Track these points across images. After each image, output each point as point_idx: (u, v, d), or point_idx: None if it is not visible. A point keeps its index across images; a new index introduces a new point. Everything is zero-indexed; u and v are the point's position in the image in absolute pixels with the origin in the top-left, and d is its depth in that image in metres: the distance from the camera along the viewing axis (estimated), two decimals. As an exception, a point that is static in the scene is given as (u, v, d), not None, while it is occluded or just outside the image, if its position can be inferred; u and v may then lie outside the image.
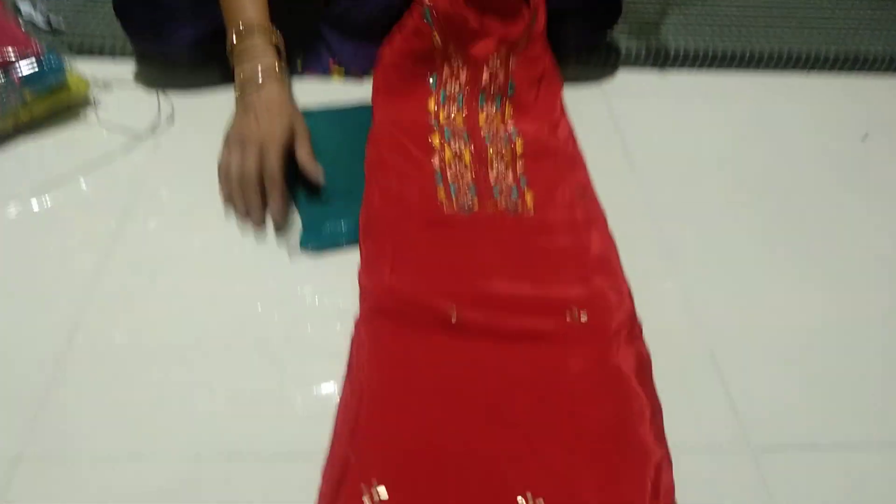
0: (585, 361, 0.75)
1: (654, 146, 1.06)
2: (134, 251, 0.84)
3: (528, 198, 0.94)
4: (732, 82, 1.22)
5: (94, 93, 1.06)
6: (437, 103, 1.06)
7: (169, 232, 0.87)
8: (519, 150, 1.02)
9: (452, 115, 1.05)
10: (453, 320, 0.77)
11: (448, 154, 0.99)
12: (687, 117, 1.13)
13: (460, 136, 1.02)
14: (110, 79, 1.08)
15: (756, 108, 1.17)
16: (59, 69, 0.97)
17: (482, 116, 1.06)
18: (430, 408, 0.70)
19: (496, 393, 0.72)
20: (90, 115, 1.03)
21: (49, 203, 0.90)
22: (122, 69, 1.12)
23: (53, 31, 1.16)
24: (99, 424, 0.67)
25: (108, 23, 1.17)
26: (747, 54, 1.22)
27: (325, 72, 1.13)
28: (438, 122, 1.04)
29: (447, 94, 1.07)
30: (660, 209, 0.95)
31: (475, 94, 1.07)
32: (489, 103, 1.07)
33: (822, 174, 1.04)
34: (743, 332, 0.80)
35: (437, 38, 1.04)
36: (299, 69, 1.13)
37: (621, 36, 1.23)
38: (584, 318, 0.78)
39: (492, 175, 0.98)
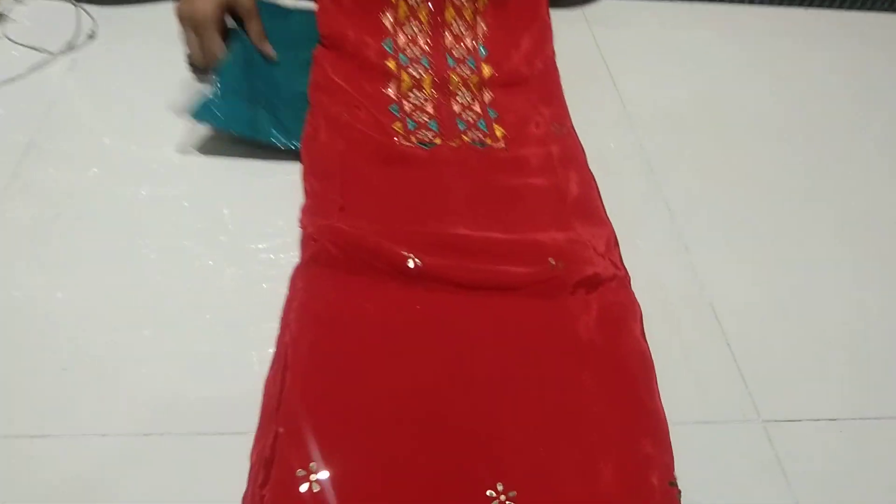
0: (565, 318, 0.63)
1: (643, 82, 0.94)
2: (38, 186, 0.72)
3: (498, 132, 0.82)
4: (725, 12, 1.11)
5: (4, 5, 0.92)
6: (396, 19, 0.91)
7: (81, 167, 0.74)
8: (487, 74, 0.88)
9: (415, 4, 0.90)
10: (411, 265, 0.64)
11: (406, 81, 0.86)
12: (677, 48, 1.02)
13: (419, 60, 0.88)
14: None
15: (753, 42, 1.06)
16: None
17: (449, 9, 0.91)
18: (378, 370, 0.58)
19: (460, 353, 0.60)
20: (-2, 28, 0.90)
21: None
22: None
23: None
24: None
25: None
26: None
27: None
28: (395, 38, 0.90)
29: (408, 4, 0.91)
30: (654, 154, 0.83)
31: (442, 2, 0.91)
32: (458, 17, 0.92)
33: (828, 116, 0.93)
34: (747, 292, 0.70)
35: None
36: None
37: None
38: (562, 268, 0.66)
39: (455, 106, 0.84)
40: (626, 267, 0.68)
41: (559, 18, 1.02)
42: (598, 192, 0.76)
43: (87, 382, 0.56)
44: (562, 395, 0.58)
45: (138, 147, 0.76)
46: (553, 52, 0.93)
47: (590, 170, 0.78)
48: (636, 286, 0.67)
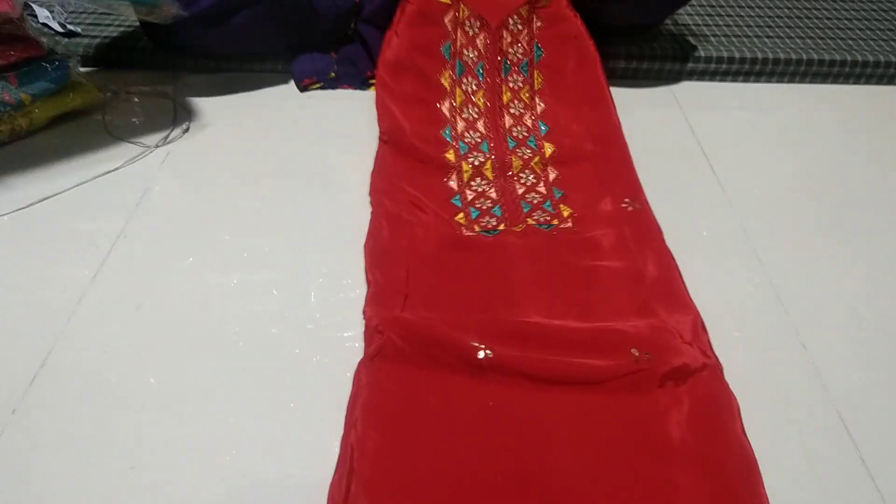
0: (653, 415, 0.58)
1: (742, 165, 0.90)
2: (126, 273, 0.72)
3: (564, 211, 0.78)
4: (813, 91, 1.07)
5: (108, 101, 0.96)
6: (453, 78, 0.90)
7: (171, 255, 0.75)
8: (549, 152, 0.86)
9: (471, 91, 0.90)
10: (481, 356, 0.60)
11: (467, 170, 0.84)
12: (771, 130, 0.98)
13: (478, 146, 0.87)
14: (128, 88, 0.99)
15: (849, 121, 1.00)
16: (63, 71, 0.87)
17: (506, 93, 0.90)
18: (447, 475, 0.54)
19: (536, 455, 0.55)
20: (100, 123, 0.93)
21: (39, 212, 0.79)
22: (141, 78, 1.02)
23: (69, 35, 1.06)
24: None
25: (130, 34, 1.08)
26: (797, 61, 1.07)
27: (362, 84, 1.01)
28: (454, 125, 0.89)
29: (463, 63, 0.91)
30: (759, 240, 0.78)
31: (496, 61, 0.91)
32: (514, 72, 0.91)
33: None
34: (881, 397, 0.63)
35: None
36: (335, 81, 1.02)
37: (696, 43, 1.08)
38: (647, 360, 0.60)
39: (519, 188, 0.82)
40: (731, 361, 0.62)
41: (650, 102, 1.01)
42: (680, 273, 0.70)
43: (181, 463, 0.54)
44: (653, 502, 0.52)
45: (231, 236, 0.77)
46: (618, 123, 0.89)
47: (668, 249, 0.73)
48: (746, 385, 0.61)
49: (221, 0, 0.89)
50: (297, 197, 0.81)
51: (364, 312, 0.65)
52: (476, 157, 0.86)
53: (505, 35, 0.91)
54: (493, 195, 0.81)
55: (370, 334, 0.63)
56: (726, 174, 0.87)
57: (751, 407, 0.59)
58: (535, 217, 0.77)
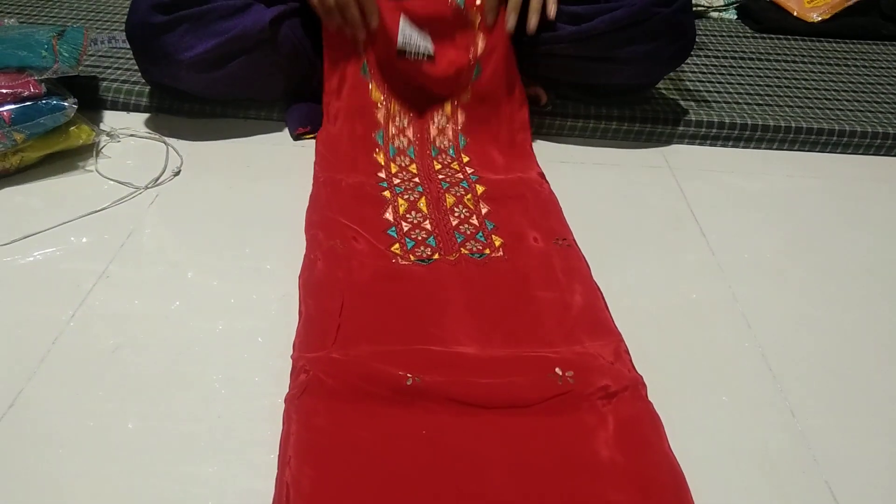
0: (581, 436, 0.59)
1: (732, 229, 0.90)
2: (105, 314, 0.71)
3: (496, 241, 0.82)
4: (797, 159, 1.08)
5: (101, 141, 0.96)
6: (387, 156, 0.96)
7: (151, 297, 0.74)
8: (480, 190, 0.90)
9: (405, 164, 0.95)
10: (409, 383, 0.61)
11: (402, 206, 0.87)
12: (761, 195, 0.99)
13: (413, 188, 0.90)
14: (121, 129, 1.00)
15: (836, 188, 1.02)
16: (59, 112, 0.87)
17: (437, 165, 0.96)
18: (383, 501, 0.54)
19: (469, 480, 0.56)
20: (91, 162, 0.93)
21: (22, 249, 0.78)
22: (135, 119, 1.04)
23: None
24: None
25: (129, 76, 1.09)
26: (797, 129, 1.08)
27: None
28: (389, 173, 0.93)
29: (396, 147, 0.97)
30: (748, 304, 0.78)
31: (426, 146, 0.98)
32: (443, 154, 0.97)
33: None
34: (873, 472, 0.62)
35: (377, 92, 0.98)
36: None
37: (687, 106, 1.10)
38: (571, 381, 0.63)
39: (453, 220, 0.85)
40: (719, 425, 0.62)
41: (641, 163, 1.02)
42: (605, 304, 0.73)
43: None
44: None
45: (218, 282, 0.76)
46: (541, 174, 0.94)
47: (595, 283, 0.75)
48: (733, 451, 0.60)
49: (219, 45, 0.90)
50: (287, 245, 0.80)
51: (294, 346, 0.66)
52: (411, 194, 0.89)
53: (431, 129, 0.99)
54: (428, 226, 0.84)
55: (296, 373, 0.63)
56: (716, 238, 0.87)
57: (737, 475, 0.58)
58: (469, 247, 0.80)
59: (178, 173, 0.92)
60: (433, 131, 0.99)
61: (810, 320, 0.77)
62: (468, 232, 0.83)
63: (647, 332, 0.72)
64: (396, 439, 0.58)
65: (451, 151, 0.97)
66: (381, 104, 0.98)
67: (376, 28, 0.94)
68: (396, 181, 0.92)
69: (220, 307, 0.72)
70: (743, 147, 1.09)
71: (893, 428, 0.65)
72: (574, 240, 0.82)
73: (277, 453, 0.57)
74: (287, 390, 0.62)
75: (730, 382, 0.68)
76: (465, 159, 0.96)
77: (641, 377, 0.64)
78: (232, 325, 0.70)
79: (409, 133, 0.98)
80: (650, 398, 0.63)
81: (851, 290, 0.82)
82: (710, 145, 1.09)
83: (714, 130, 1.08)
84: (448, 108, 0.99)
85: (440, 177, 0.93)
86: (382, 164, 0.95)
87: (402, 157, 0.96)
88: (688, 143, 1.08)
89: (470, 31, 0.98)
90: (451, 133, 0.99)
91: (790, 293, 0.80)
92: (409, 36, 0.95)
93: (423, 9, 0.97)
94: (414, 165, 0.95)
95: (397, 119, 0.99)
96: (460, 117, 0.99)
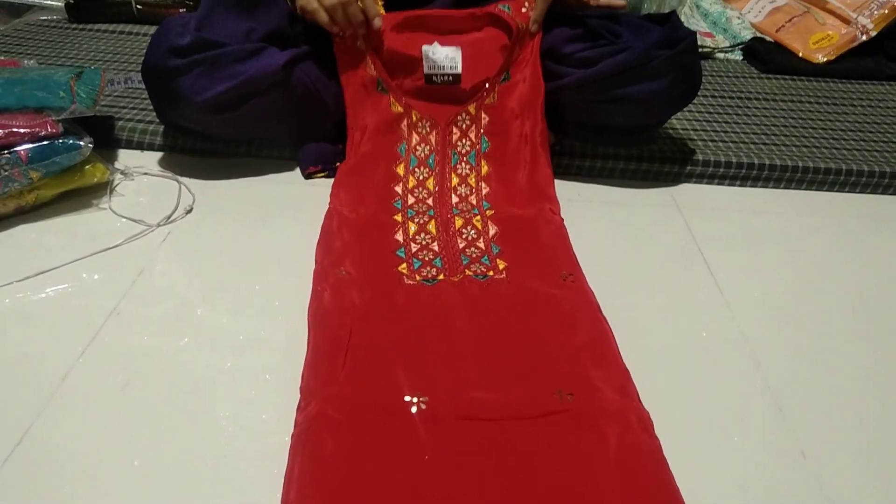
0: (580, 461, 0.60)
1: (740, 268, 0.90)
2: (115, 351, 0.71)
3: (500, 264, 0.83)
4: (806, 197, 1.09)
5: (115, 179, 0.98)
6: (407, 168, 0.98)
7: (161, 334, 0.74)
8: (489, 213, 0.92)
9: (422, 178, 0.96)
10: (413, 411, 0.63)
11: (412, 228, 0.89)
12: (770, 234, 0.99)
13: (425, 212, 0.92)
14: (135, 167, 1.01)
15: (844, 227, 1.02)
16: (75, 151, 0.88)
17: (454, 178, 0.97)
18: None
19: (476, 489, 0.57)
20: (105, 200, 0.94)
21: (34, 286, 0.79)
22: (149, 158, 1.05)
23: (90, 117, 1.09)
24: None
25: (144, 115, 1.11)
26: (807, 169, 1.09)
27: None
28: (406, 188, 0.95)
29: (417, 158, 0.98)
30: (758, 343, 0.78)
31: (447, 151, 0.99)
32: (463, 162, 0.98)
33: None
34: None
35: (396, 105, 0.99)
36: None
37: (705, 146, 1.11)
38: (571, 400, 0.64)
39: (461, 243, 0.87)
40: (729, 466, 0.62)
41: (649, 202, 1.03)
42: (614, 338, 0.73)
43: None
44: None
45: (228, 319, 0.76)
46: (554, 208, 0.95)
47: (603, 316, 0.76)
48: (744, 491, 0.60)
49: (233, 88, 0.91)
50: (297, 282, 0.80)
51: (302, 377, 0.66)
52: (422, 217, 0.91)
53: (454, 131, 0.99)
54: (436, 248, 0.85)
55: (303, 407, 0.63)
56: (724, 276, 0.87)
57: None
58: (473, 269, 0.82)
59: (189, 211, 0.93)
60: (456, 133, 0.99)
61: (819, 359, 0.76)
62: (474, 255, 0.85)
63: (656, 370, 0.71)
64: (403, 466, 0.59)
65: (472, 158, 0.98)
66: (403, 115, 0.99)
67: (380, 27, 0.95)
68: (411, 200, 0.94)
69: (230, 344, 0.73)
70: (750, 186, 1.09)
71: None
72: (583, 276, 0.82)
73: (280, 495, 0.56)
74: (293, 428, 0.62)
75: (739, 422, 0.67)
76: (484, 170, 0.97)
77: (648, 413, 0.64)
78: (241, 362, 0.70)
79: (432, 138, 0.99)
80: (658, 435, 0.62)
81: (859, 328, 0.81)
82: (718, 184, 1.09)
83: (721, 170, 1.08)
84: (472, 108, 0.99)
85: (454, 199, 0.94)
86: (402, 175, 0.96)
87: (422, 169, 0.97)
88: (695, 182, 1.09)
89: (504, 43, 0.99)
90: (473, 136, 0.99)
91: (798, 331, 0.80)
92: (434, 62, 0.98)
93: (455, 24, 1.00)
94: (431, 180, 0.96)
95: (419, 126, 0.99)
96: (484, 118, 0.99)
